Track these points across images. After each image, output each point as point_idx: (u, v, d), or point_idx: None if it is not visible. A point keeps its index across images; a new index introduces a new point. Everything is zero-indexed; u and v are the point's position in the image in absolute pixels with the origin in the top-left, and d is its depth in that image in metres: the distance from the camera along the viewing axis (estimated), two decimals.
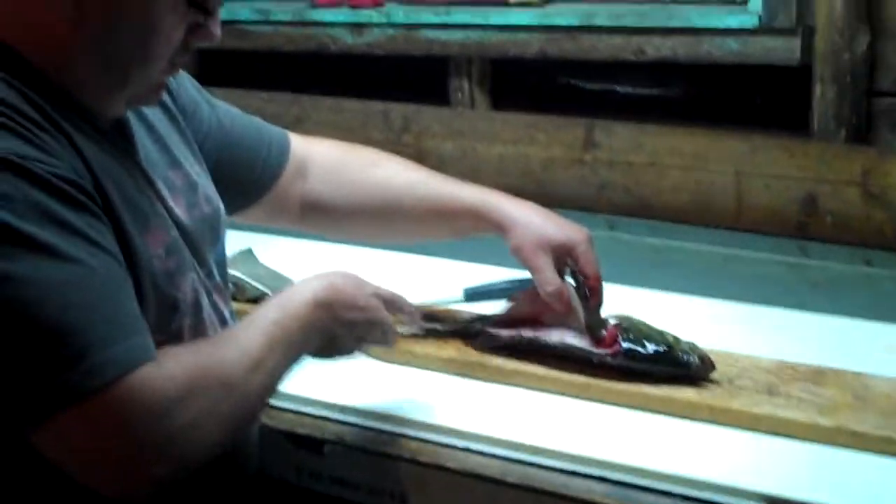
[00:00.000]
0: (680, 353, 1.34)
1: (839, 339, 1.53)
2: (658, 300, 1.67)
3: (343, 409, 1.34)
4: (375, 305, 1.22)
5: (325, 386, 1.36)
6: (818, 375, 1.36)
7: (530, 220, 1.38)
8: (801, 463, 1.22)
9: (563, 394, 1.36)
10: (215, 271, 1.25)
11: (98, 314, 0.98)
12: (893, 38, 1.81)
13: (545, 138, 2.02)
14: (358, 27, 2.17)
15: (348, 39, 2.19)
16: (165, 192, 1.17)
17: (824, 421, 1.26)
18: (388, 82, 2.23)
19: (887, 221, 1.77)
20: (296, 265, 1.65)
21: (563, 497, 1.20)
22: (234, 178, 1.34)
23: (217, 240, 1.27)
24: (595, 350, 1.35)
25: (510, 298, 1.46)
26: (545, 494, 1.21)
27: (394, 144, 2.12)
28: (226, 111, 1.39)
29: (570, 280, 1.40)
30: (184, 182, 1.21)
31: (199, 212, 1.22)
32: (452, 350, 1.43)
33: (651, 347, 1.34)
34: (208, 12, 1.10)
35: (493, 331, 1.42)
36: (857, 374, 1.37)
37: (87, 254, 1.00)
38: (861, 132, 1.83)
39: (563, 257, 1.37)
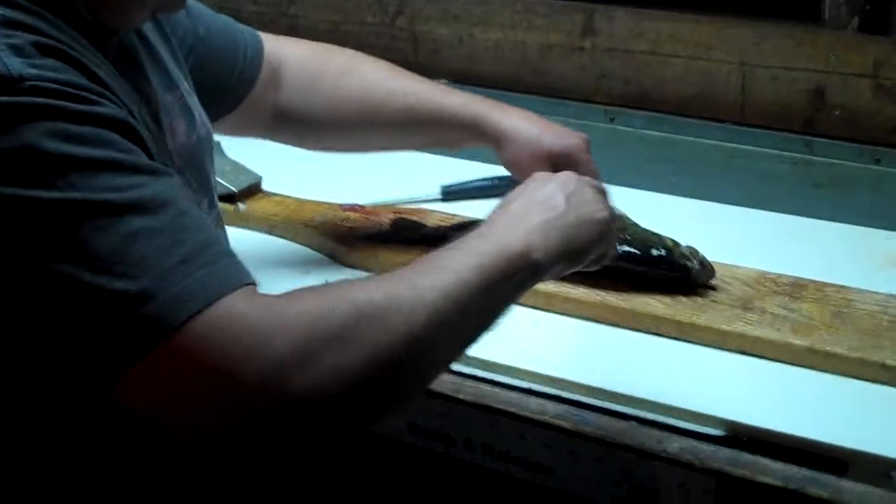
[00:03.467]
0: (679, 258, 1.31)
1: (833, 247, 1.48)
2: (653, 200, 1.64)
3: None
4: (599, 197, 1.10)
5: None
6: (798, 289, 1.32)
7: (526, 131, 1.32)
8: (770, 386, 1.17)
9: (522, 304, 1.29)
10: (216, 200, 1.20)
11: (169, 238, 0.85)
12: None
13: (543, 23, 1.95)
14: None
15: None
16: (166, 121, 1.10)
17: (795, 340, 1.21)
18: None
19: None
20: (265, 159, 1.60)
21: (514, 416, 1.16)
22: (208, 89, 1.26)
23: (212, 163, 1.22)
24: None
25: None
26: (496, 413, 1.17)
27: (388, 28, 2.06)
28: (199, 15, 1.31)
29: None
30: (181, 105, 1.15)
31: (197, 136, 1.16)
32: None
33: (651, 251, 1.32)
34: None
35: None
36: (842, 289, 1.31)
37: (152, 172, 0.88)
38: (875, 21, 1.73)
39: (561, 167, 1.29)
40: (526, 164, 1.30)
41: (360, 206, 1.54)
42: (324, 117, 1.37)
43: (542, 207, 1.03)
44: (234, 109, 1.34)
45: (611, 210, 1.09)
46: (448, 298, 0.88)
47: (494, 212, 1.04)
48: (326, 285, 0.89)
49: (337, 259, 1.44)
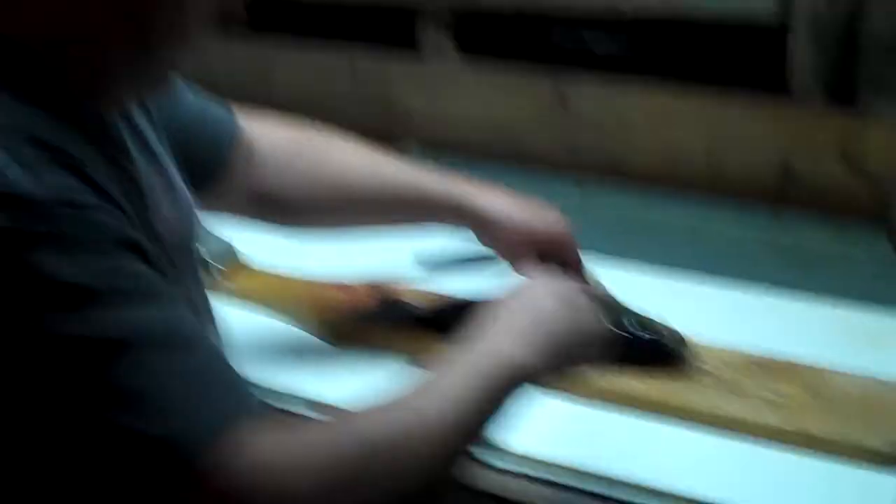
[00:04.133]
0: (650, 324, 1.32)
1: (806, 324, 1.48)
2: (622, 269, 1.63)
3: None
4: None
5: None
6: (772, 366, 1.33)
7: (509, 214, 1.32)
8: (743, 466, 1.18)
9: None
10: (202, 279, 1.18)
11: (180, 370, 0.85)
12: None
13: (515, 93, 1.97)
14: None
15: None
16: (154, 206, 1.07)
17: (773, 420, 1.22)
18: (356, 33, 2.16)
19: (867, 191, 1.72)
20: (243, 230, 1.59)
21: (494, 497, 1.17)
22: (181, 169, 1.23)
23: (198, 245, 1.20)
24: None
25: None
26: (475, 493, 1.18)
27: (361, 97, 2.08)
28: (174, 91, 1.30)
29: None
30: (164, 183, 1.12)
31: (184, 217, 1.14)
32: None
33: (628, 326, 1.31)
34: None
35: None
36: (819, 369, 1.33)
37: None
38: (842, 95, 1.76)
39: (546, 252, 1.33)
40: (509, 248, 1.31)
41: (342, 282, 1.53)
42: (300, 198, 1.36)
43: (540, 318, 1.04)
44: (208, 189, 1.32)
45: (603, 320, 1.11)
46: (456, 427, 0.92)
47: (489, 317, 1.05)
48: (334, 419, 0.90)
49: (320, 338, 1.44)
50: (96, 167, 0.91)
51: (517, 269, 1.32)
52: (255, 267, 1.60)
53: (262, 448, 0.83)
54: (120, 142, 1.04)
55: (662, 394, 1.26)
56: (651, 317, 1.33)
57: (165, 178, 1.13)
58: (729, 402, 1.25)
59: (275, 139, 1.38)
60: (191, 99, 1.32)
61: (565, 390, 1.28)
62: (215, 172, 1.33)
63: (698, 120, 1.83)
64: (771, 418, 1.22)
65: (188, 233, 1.16)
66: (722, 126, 1.81)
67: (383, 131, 1.99)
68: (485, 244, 1.35)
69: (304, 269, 1.59)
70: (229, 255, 1.60)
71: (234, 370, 0.90)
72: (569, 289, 1.10)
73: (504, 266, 1.36)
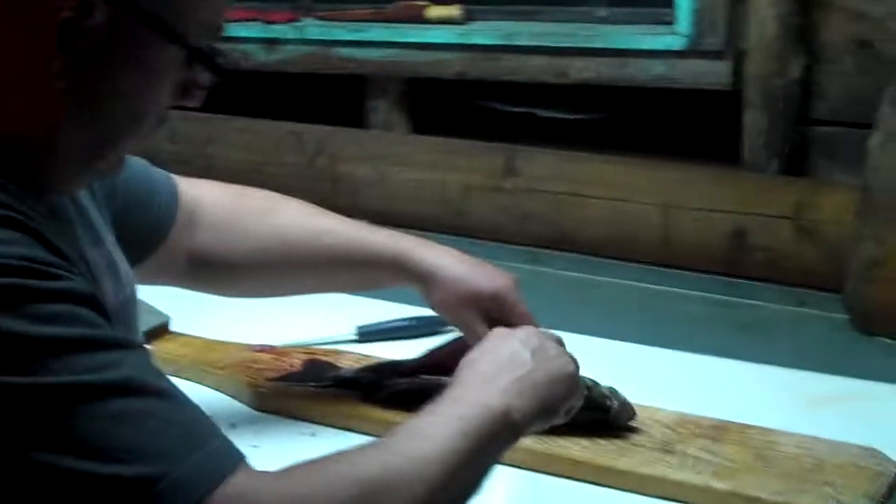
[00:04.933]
0: (598, 397, 1.29)
1: (756, 389, 1.46)
2: (572, 341, 1.54)
3: None
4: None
5: None
6: (720, 431, 1.29)
7: (454, 271, 1.29)
8: None
9: None
10: None
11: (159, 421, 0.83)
12: (829, 62, 1.75)
13: (464, 164, 1.98)
14: (271, 43, 2.12)
15: (261, 56, 2.13)
16: (95, 279, 1.05)
17: (717, 484, 1.18)
18: (302, 102, 2.18)
19: (821, 259, 1.71)
20: (174, 299, 1.56)
21: None
22: (120, 238, 1.21)
23: (137, 320, 1.17)
24: None
25: (432, 353, 1.37)
26: None
27: (307, 168, 2.08)
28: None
29: None
30: (108, 262, 1.10)
31: (124, 295, 1.12)
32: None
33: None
34: (214, 67, 0.96)
35: (392, 381, 1.35)
36: (765, 431, 1.29)
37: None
38: (794, 163, 1.77)
39: (490, 309, 1.29)
40: (454, 306, 1.28)
41: (270, 346, 1.51)
42: (242, 260, 1.34)
43: (511, 366, 1.04)
44: (148, 258, 1.30)
45: (575, 362, 1.10)
46: (442, 469, 0.91)
47: (462, 372, 1.04)
48: (322, 459, 0.89)
49: (245, 402, 1.40)
50: (54, 238, 0.90)
51: (463, 331, 1.30)
52: (186, 335, 1.58)
53: (262, 496, 0.82)
54: (66, 215, 1.03)
55: (604, 459, 1.24)
56: (590, 378, 1.29)
57: (105, 253, 1.11)
58: (668, 464, 1.22)
59: (216, 200, 1.36)
60: (132, 167, 1.28)
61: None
62: (155, 239, 1.31)
63: (652, 189, 1.83)
64: (711, 480, 1.19)
65: (128, 309, 1.13)
66: (675, 194, 1.81)
67: (331, 205, 1.98)
68: (430, 303, 1.32)
69: (236, 334, 1.56)
70: (163, 327, 1.58)
71: (208, 417, 0.88)
72: (538, 336, 1.09)
73: (450, 331, 1.34)
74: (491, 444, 0.97)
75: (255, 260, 1.34)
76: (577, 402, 1.11)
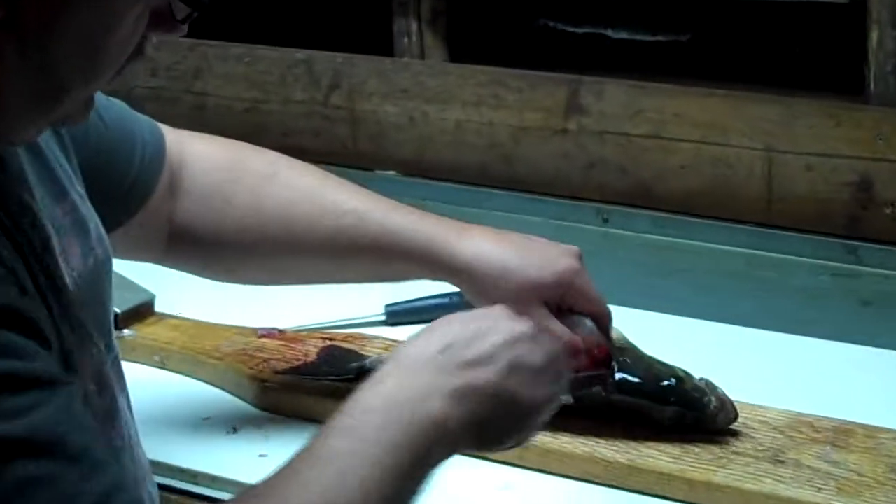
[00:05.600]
0: (692, 391, 1.32)
1: (887, 382, 1.48)
2: (656, 322, 1.66)
3: None
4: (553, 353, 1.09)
5: None
6: (844, 435, 1.31)
7: (503, 265, 1.31)
8: None
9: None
10: (115, 341, 1.17)
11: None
12: None
13: (516, 99, 1.95)
14: None
15: None
16: (58, 245, 1.06)
17: (841, 502, 1.20)
18: (314, 24, 2.17)
19: None
20: (159, 272, 1.57)
21: None
22: (92, 195, 1.22)
23: (110, 292, 1.19)
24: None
25: None
26: None
27: (320, 106, 2.06)
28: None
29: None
30: (73, 219, 1.12)
31: (94, 259, 1.13)
32: None
33: (658, 380, 1.32)
34: None
35: None
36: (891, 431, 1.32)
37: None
38: None
39: (554, 298, 1.31)
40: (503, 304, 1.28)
41: (279, 330, 1.53)
42: (234, 238, 1.36)
43: (477, 368, 1.01)
44: (124, 225, 1.31)
45: (553, 393, 1.08)
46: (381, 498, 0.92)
47: (408, 350, 1.02)
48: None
49: (248, 400, 1.43)
50: None
51: None
52: (175, 317, 1.61)
53: None
54: (14, 166, 1.03)
55: (699, 471, 1.26)
56: (680, 368, 1.34)
57: (70, 208, 1.12)
58: (778, 478, 1.24)
59: (208, 164, 1.38)
60: (108, 109, 1.30)
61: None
62: (134, 201, 1.32)
63: (752, 128, 1.80)
64: (834, 499, 1.21)
65: (100, 281, 1.14)
66: (781, 136, 1.78)
67: (350, 153, 2.02)
68: (475, 303, 1.32)
69: (237, 316, 1.59)
70: (146, 307, 1.61)
71: (128, 477, 0.93)
72: (530, 342, 1.06)
73: None
74: (425, 463, 0.97)
75: (250, 240, 1.36)
76: (527, 439, 1.09)
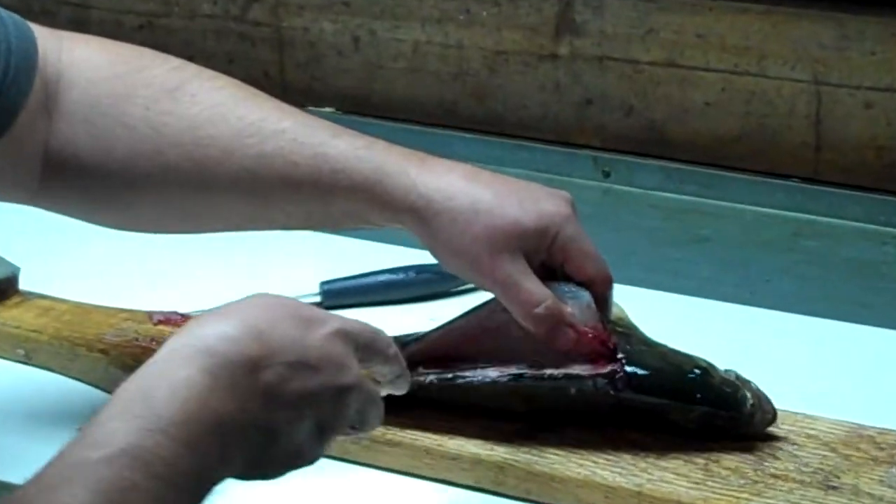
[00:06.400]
0: (721, 385, 1.33)
1: None
2: (670, 303, 1.68)
3: None
4: (339, 356, 1.08)
5: None
6: None
7: (471, 202, 1.31)
8: None
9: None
10: None
11: None
12: None
13: (493, 16, 1.96)
14: None
15: None
16: None
17: None
18: None
19: None
20: (26, 239, 1.63)
21: None
22: None
23: None
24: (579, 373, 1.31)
25: (444, 331, 1.41)
26: None
27: (235, 23, 2.08)
28: None
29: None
30: None
31: None
32: None
33: (677, 372, 1.33)
34: None
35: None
36: None
37: None
38: None
39: (537, 252, 1.33)
40: (482, 258, 1.30)
41: (181, 315, 1.53)
42: (127, 169, 1.36)
43: (237, 389, 0.99)
44: None
45: (351, 409, 1.08)
46: None
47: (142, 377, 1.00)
48: None
49: None
50: None
51: (498, 294, 1.32)
52: (46, 297, 1.61)
53: None
54: None
55: (728, 500, 1.25)
56: (701, 358, 1.35)
57: None
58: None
59: (95, 74, 1.38)
60: None
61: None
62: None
63: (795, 54, 1.82)
64: None
65: None
66: (833, 64, 1.80)
67: (276, 83, 2.04)
68: (436, 253, 1.34)
69: (125, 296, 1.58)
70: (7, 283, 1.61)
71: None
72: (323, 341, 1.05)
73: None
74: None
75: (147, 171, 1.37)
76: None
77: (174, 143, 1.36)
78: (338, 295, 1.63)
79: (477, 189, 1.32)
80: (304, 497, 1.29)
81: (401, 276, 1.63)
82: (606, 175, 1.90)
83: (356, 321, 1.11)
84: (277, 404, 1.01)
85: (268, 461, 1.03)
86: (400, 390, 1.22)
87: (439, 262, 1.34)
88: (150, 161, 1.36)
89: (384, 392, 1.18)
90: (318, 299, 1.62)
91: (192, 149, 1.36)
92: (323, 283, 1.63)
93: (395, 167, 1.33)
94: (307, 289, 1.62)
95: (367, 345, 1.10)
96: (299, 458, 1.06)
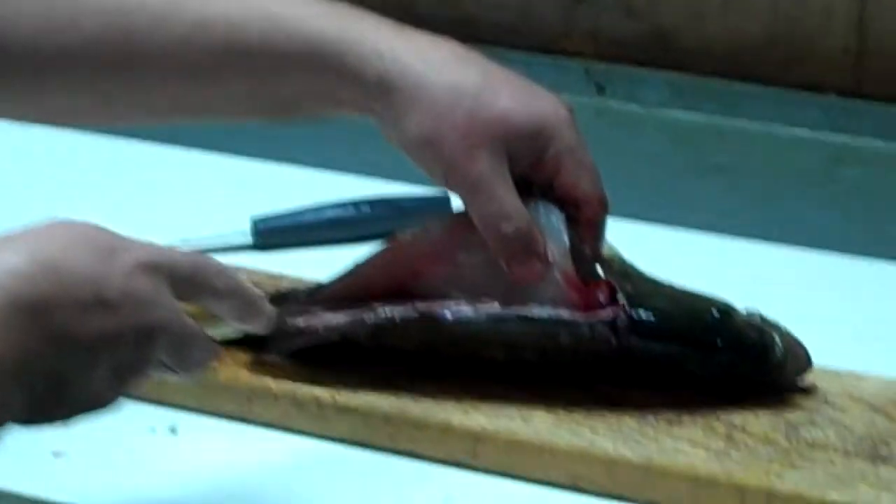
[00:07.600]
0: (749, 330, 1.34)
1: None
2: (680, 241, 1.70)
3: None
4: (143, 292, 1.09)
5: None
6: None
7: (453, 83, 1.32)
8: None
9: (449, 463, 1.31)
10: None
11: None
12: None
13: None
14: None
15: None
16: None
17: None
18: None
19: None
20: None
21: None
22: None
23: None
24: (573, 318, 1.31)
25: (389, 251, 1.42)
26: None
27: None
28: None
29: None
30: None
31: None
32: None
33: (692, 315, 1.34)
34: None
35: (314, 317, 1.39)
36: None
37: None
38: None
39: (522, 157, 1.33)
40: (455, 151, 1.30)
41: None
42: (36, 43, 1.37)
43: (21, 331, 1.01)
44: None
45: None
46: None
47: None
48: None
49: None
50: None
51: (464, 198, 1.32)
52: None
53: None
54: None
55: (754, 473, 1.24)
56: (720, 299, 1.35)
57: None
58: (874, 482, 1.23)
59: None
60: None
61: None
62: None
63: None
64: None
65: None
66: None
67: None
68: (400, 139, 1.33)
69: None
70: None
71: None
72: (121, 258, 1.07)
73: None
74: None
75: (60, 46, 1.37)
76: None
77: (95, 11, 1.36)
78: (273, 234, 1.64)
79: (465, 70, 1.33)
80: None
81: (351, 211, 1.64)
82: (601, 89, 1.92)
83: (174, 250, 1.14)
84: (68, 349, 1.04)
85: (55, 407, 1.06)
86: (257, 329, 1.25)
87: (401, 149, 1.34)
88: (64, 34, 1.37)
89: (233, 332, 1.24)
90: (248, 239, 1.63)
91: (115, 17, 1.36)
92: (256, 220, 1.63)
93: (366, 33, 1.33)
94: (235, 225, 1.63)
95: (186, 278, 1.12)
96: (92, 404, 1.09)
